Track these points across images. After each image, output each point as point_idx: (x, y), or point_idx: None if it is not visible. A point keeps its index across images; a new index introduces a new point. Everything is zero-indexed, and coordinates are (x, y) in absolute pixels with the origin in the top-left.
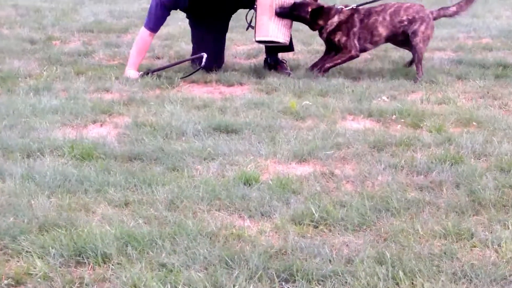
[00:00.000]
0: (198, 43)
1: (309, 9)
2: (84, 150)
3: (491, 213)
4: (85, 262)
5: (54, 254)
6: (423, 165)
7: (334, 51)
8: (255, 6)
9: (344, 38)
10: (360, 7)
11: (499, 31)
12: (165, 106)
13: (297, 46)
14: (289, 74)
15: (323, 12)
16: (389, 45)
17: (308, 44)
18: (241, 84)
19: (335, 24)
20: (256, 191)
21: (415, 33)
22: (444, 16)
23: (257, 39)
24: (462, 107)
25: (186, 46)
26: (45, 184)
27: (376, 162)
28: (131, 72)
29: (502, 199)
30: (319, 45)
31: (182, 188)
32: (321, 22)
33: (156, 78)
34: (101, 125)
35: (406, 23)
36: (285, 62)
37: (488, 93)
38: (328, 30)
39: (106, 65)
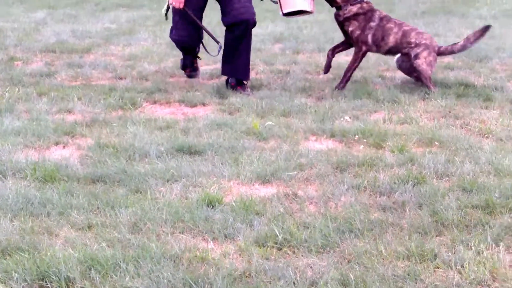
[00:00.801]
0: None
1: None
2: (46, 172)
3: (454, 233)
4: (49, 287)
5: (17, 279)
6: (385, 185)
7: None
8: None
9: (358, 32)
10: (383, 13)
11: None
12: (128, 127)
13: (259, 65)
14: (248, 95)
15: None
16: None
17: (270, 64)
18: (203, 104)
19: (352, 12)
20: (220, 213)
21: (417, 56)
22: (452, 52)
23: (285, 11)
24: (424, 127)
25: (148, 66)
26: (7, 207)
27: (339, 182)
28: None
29: (465, 219)
30: (281, 65)
31: (145, 210)
32: (339, 1)
33: (119, 99)
34: (64, 147)
35: (412, 45)
36: (245, 83)
37: (450, 112)
38: (345, 15)
39: (68, 85)
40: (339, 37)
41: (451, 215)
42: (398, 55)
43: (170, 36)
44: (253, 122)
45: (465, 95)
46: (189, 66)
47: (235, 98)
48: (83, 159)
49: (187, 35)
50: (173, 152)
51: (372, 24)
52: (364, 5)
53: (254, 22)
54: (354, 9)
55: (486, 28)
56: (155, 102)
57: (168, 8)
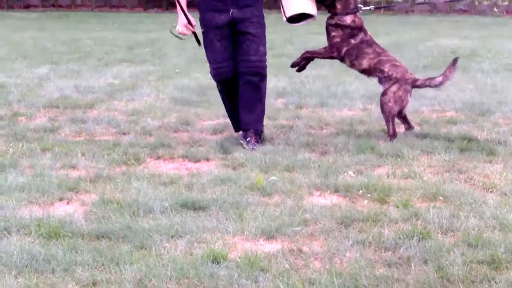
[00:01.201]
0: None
1: None
2: (51, 228)
3: None
4: None
5: None
6: (390, 240)
7: None
8: None
9: (337, 39)
10: (368, 35)
11: (463, 104)
12: (132, 183)
13: (264, 120)
14: (253, 149)
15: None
16: (355, 119)
17: (273, 119)
18: (207, 160)
19: (345, 23)
20: (225, 269)
21: (385, 92)
22: (430, 86)
23: (288, 15)
24: (428, 181)
25: (152, 122)
26: (12, 263)
27: (344, 238)
28: (182, 18)
29: (471, 274)
30: (284, 120)
31: (150, 267)
32: (338, 7)
33: (123, 155)
34: (68, 203)
35: (384, 75)
36: (262, 132)
37: (453, 167)
38: (335, 21)
39: (72, 141)
40: (342, 92)
41: (456, 270)
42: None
43: (212, 74)
44: (257, 177)
45: (469, 149)
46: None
47: (239, 153)
48: (87, 215)
49: (221, 61)
50: (177, 207)
51: (352, 41)
52: (357, 20)
53: (265, 75)
54: (348, 20)
55: (455, 60)
56: (158, 158)
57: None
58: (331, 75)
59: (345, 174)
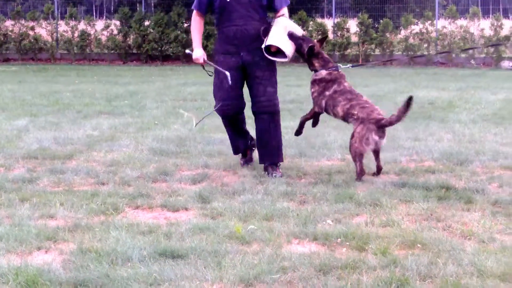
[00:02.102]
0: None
1: (310, 45)
2: (29, 277)
3: None
4: None
5: None
6: None
7: None
8: (272, 24)
9: (315, 94)
10: (346, 83)
11: (441, 153)
12: (110, 232)
13: (242, 170)
14: (281, 176)
15: (319, 57)
16: (333, 168)
17: (252, 169)
18: (186, 209)
19: (320, 76)
20: None
21: (352, 134)
22: (391, 123)
23: (268, 43)
24: (406, 229)
25: (131, 172)
26: None
27: (322, 285)
28: (198, 51)
29: None
30: (263, 170)
31: None
32: (316, 65)
33: (101, 205)
34: (46, 252)
35: (354, 118)
36: (279, 165)
37: (431, 215)
38: (313, 78)
39: (50, 191)
40: (320, 142)
41: None
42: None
43: (216, 110)
44: (235, 226)
45: (447, 198)
46: (242, 152)
47: (217, 203)
48: (65, 264)
49: (230, 99)
50: (156, 256)
51: (327, 93)
52: (334, 73)
53: (278, 111)
54: (323, 73)
55: (410, 99)
56: (137, 207)
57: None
58: (309, 125)
59: (324, 222)
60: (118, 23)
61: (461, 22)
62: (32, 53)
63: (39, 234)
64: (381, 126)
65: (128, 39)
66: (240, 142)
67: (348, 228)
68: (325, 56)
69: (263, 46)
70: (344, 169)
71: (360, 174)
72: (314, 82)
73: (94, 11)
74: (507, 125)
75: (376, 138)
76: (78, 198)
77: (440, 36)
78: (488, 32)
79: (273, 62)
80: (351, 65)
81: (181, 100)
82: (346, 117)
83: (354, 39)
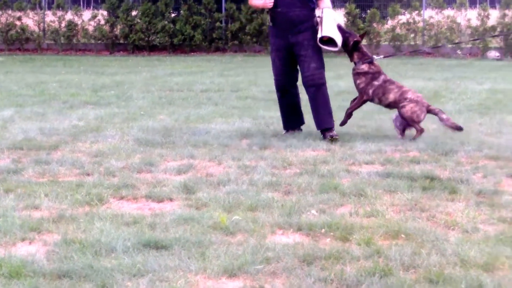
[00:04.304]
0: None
1: (355, 39)
2: (12, 268)
3: None
4: None
5: None
6: (352, 278)
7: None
8: (321, 15)
9: (362, 85)
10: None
11: (426, 144)
12: (95, 223)
13: (227, 161)
14: (337, 138)
15: (360, 50)
16: (318, 159)
17: (238, 159)
18: (170, 200)
19: (362, 71)
20: None
21: (404, 106)
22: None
23: (324, 34)
24: (390, 219)
25: (116, 163)
26: None
27: (306, 276)
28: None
29: None
30: (248, 160)
31: None
32: (355, 57)
33: (86, 195)
34: (30, 243)
35: (406, 100)
36: (332, 128)
37: (416, 205)
38: (356, 71)
39: (35, 182)
40: (305, 132)
41: None
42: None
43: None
44: (220, 216)
45: (431, 188)
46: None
47: (202, 194)
48: (49, 255)
49: (280, 74)
50: (140, 247)
51: (375, 83)
52: (377, 65)
53: (323, 83)
54: (365, 67)
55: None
56: (122, 198)
57: None
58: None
59: (308, 213)
60: (105, 13)
61: (448, 12)
62: (19, 43)
63: (23, 225)
64: (428, 111)
65: (115, 29)
66: (290, 120)
67: (332, 219)
68: (364, 50)
69: (319, 35)
70: (329, 160)
71: (421, 131)
72: (358, 74)
73: (81, 1)
74: (492, 115)
75: (422, 116)
76: (63, 189)
77: (427, 26)
78: (475, 22)
79: (315, 42)
80: (382, 56)
81: (168, 90)
82: (398, 102)
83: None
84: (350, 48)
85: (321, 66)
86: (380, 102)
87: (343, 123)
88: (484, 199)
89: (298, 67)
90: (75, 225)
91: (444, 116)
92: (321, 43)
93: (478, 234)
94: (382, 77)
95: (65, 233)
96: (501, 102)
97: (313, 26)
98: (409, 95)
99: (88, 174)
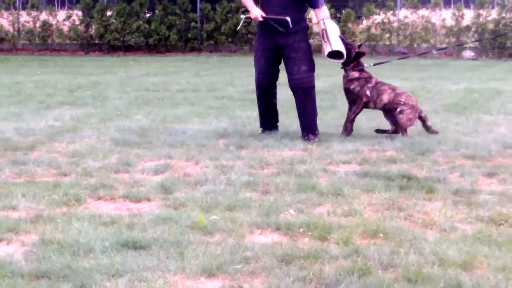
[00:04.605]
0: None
1: (357, 51)
2: None
3: None
4: None
5: None
6: (331, 277)
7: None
8: (324, 27)
9: (358, 89)
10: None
11: (403, 143)
12: (73, 223)
13: (204, 161)
14: (316, 141)
15: (358, 61)
16: (296, 158)
17: (215, 159)
18: (148, 200)
19: (354, 76)
20: None
21: (402, 112)
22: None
23: (335, 48)
24: (368, 219)
25: (93, 163)
26: None
27: (284, 275)
28: (256, 9)
29: None
30: (225, 160)
31: None
32: (350, 66)
33: (63, 196)
34: (8, 244)
35: (401, 104)
36: (317, 133)
37: (393, 204)
38: (349, 78)
39: (12, 182)
40: (282, 132)
41: None
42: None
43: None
44: (198, 216)
45: (408, 188)
46: (267, 129)
47: (180, 194)
48: (27, 255)
49: (263, 73)
50: (118, 247)
51: (369, 85)
52: (364, 73)
53: (312, 87)
54: (356, 74)
55: None
56: (99, 198)
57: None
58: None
59: (286, 212)
60: (80, 13)
61: (423, 12)
62: None
63: (1, 225)
64: (419, 117)
65: (90, 29)
66: (267, 120)
67: (310, 218)
68: (360, 61)
69: (329, 50)
70: (306, 159)
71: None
72: (352, 80)
73: (56, 1)
74: (468, 115)
75: (415, 122)
76: (40, 189)
77: (402, 26)
78: (450, 22)
79: (307, 44)
80: (372, 64)
81: (144, 90)
82: (391, 104)
83: (317, 29)
84: (352, 59)
85: (312, 69)
86: (375, 106)
87: (349, 132)
88: (461, 198)
89: (280, 69)
90: (52, 226)
91: (429, 124)
92: (329, 56)
93: (456, 233)
94: (374, 80)
95: (43, 234)
96: (477, 102)
97: (303, 29)
98: (404, 98)
99: (65, 175)
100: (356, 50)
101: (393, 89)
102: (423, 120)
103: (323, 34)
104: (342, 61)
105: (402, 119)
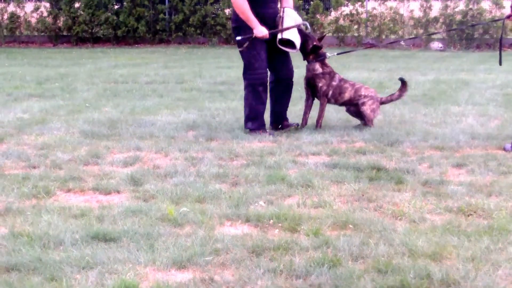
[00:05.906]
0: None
1: (314, 43)
2: None
3: None
4: None
5: None
6: (301, 268)
7: (309, 93)
8: (281, 15)
9: (324, 88)
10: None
11: (372, 135)
12: (42, 216)
13: (173, 153)
14: (297, 126)
15: (318, 52)
16: (265, 150)
17: (184, 151)
18: (118, 192)
19: (319, 71)
20: None
21: (364, 104)
22: (392, 100)
23: (285, 36)
24: (338, 210)
25: (62, 155)
26: None
27: (255, 267)
28: (261, 28)
29: None
30: (195, 152)
31: None
32: (310, 57)
33: (33, 188)
34: None
35: (362, 97)
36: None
37: (363, 195)
38: (316, 72)
39: None
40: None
41: None
42: None
43: (247, 78)
44: (168, 208)
45: (378, 179)
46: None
47: (150, 186)
48: None
49: (265, 68)
50: (88, 239)
51: (334, 83)
52: (325, 67)
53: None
54: (319, 67)
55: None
56: (69, 191)
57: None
58: (241, 108)
59: (256, 204)
60: (48, 5)
61: (391, 3)
62: None
63: None
64: (382, 103)
65: (58, 21)
66: (262, 111)
67: (280, 210)
68: (321, 52)
69: (279, 37)
70: (276, 151)
71: (372, 123)
72: (318, 76)
73: None
74: (437, 106)
75: (378, 111)
76: (9, 181)
77: (370, 18)
78: (418, 13)
79: None
80: (336, 53)
81: (112, 82)
82: (352, 100)
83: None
84: (309, 51)
85: None
86: (335, 102)
87: (304, 124)
88: (430, 189)
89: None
90: (22, 218)
91: (397, 93)
92: (280, 44)
93: (425, 224)
94: (337, 76)
95: (12, 226)
96: (445, 93)
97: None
98: (363, 92)
99: (34, 167)
100: (314, 43)
101: (352, 85)
102: (386, 102)
103: (278, 22)
104: (295, 51)
105: (366, 111)
